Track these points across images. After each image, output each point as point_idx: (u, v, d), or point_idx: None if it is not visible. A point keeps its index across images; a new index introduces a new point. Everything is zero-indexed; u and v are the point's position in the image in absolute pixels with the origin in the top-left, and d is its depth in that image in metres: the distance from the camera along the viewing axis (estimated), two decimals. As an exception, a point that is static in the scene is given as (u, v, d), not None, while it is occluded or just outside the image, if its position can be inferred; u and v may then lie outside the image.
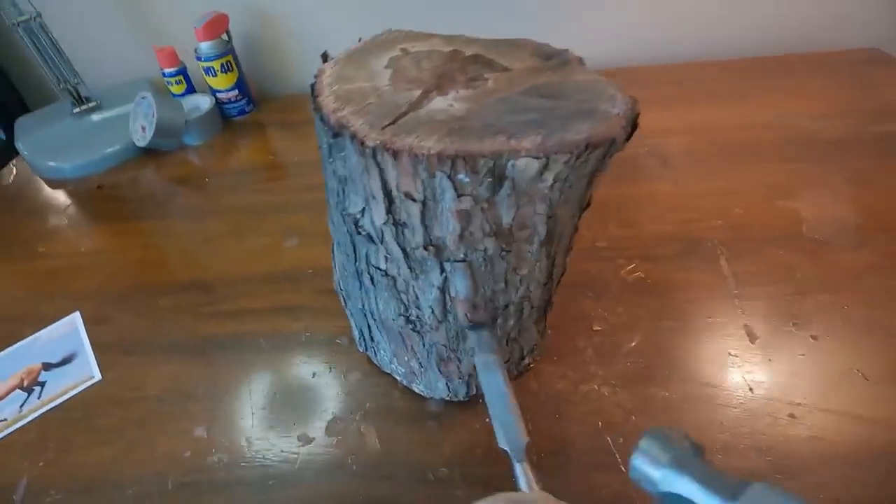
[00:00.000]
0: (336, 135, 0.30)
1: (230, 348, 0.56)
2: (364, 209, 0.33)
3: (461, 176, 0.28)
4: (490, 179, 0.28)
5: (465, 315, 0.37)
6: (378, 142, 0.28)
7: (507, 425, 0.33)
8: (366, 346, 0.51)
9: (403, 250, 0.34)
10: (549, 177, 0.29)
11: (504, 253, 0.33)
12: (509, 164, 0.28)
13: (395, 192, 0.30)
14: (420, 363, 0.45)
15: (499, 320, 0.39)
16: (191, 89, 0.91)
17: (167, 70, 0.88)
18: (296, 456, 0.47)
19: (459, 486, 0.43)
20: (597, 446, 0.44)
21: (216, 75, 0.86)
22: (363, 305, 0.43)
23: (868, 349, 0.48)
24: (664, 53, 0.91)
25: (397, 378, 0.50)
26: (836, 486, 0.40)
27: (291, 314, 0.58)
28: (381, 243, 0.34)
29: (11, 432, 0.52)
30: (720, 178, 0.68)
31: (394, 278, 0.37)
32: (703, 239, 0.59)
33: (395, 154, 0.28)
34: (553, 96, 0.31)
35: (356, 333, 0.51)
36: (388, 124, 0.29)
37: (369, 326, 0.46)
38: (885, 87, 0.80)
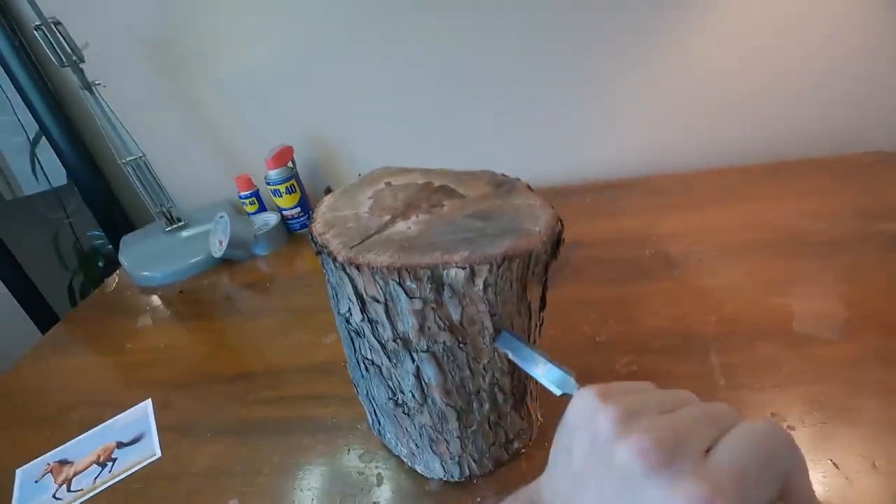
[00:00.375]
0: (318, 252, 0.39)
1: (266, 431, 0.63)
2: (349, 308, 0.41)
3: (409, 283, 0.35)
4: (431, 285, 0.36)
5: (441, 399, 0.43)
6: (346, 258, 0.37)
7: (547, 373, 0.34)
8: (377, 429, 0.56)
9: (380, 343, 0.41)
10: (479, 283, 0.36)
11: (461, 345, 0.40)
12: (445, 273, 0.35)
13: (364, 296, 0.38)
14: (416, 444, 0.49)
15: (474, 405, 0.44)
16: (262, 208, 1.08)
17: (242, 193, 1.06)
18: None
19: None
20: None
21: (282, 196, 1.02)
22: (366, 392, 0.50)
23: (843, 440, 0.47)
24: (668, 163, 0.99)
25: (403, 459, 0.54)
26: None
27: (322, 401, 0.65)
28: (364, 337, 0.42)
29: (86, 500, 0.60)
30: (718, 277, 0.71)
31: (379, 367, 0.43)
32: (696, 334, 0.62)
33: (358, 267, 0.36)
34: (488, 218, 0.40)
35: (369, 419, 0.57)
36: (357, 244, 0.38)
37: (375, 410, 0.52)
38: (886, 185, 0.82)
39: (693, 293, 0.69)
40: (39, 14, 0.85)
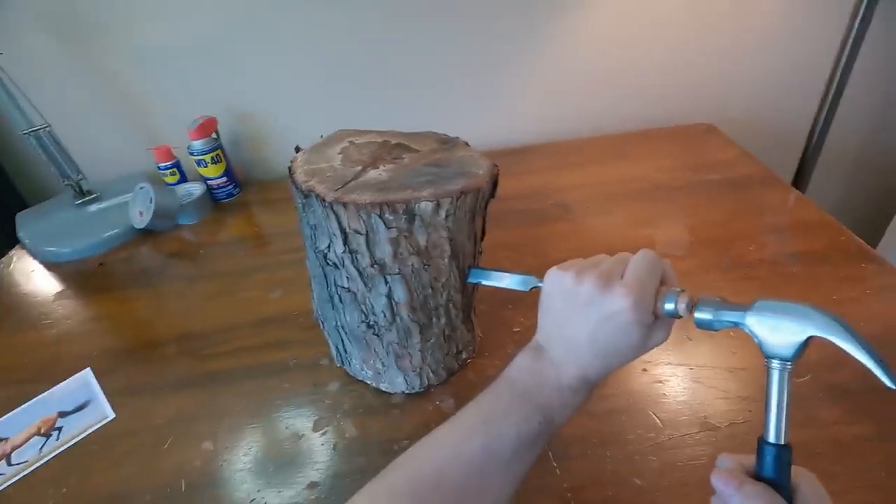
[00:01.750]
0: (306, 196, 0.45)
1: (228, 379, 0.64)
2: (329, 244, 0.46)
3: (387, 216, 0.43)
4: (405, 216, 0.43)
5: (408, 315, 0.49)
6: (333, 198, 0.43)
7: (515, 280, 0.46)
8: (342, 360, 0.61)
9: (358, 270, 0.47)
10: (442, 213, 0.44)
11: (426, 266, 0.47)
12: (416, 206, 0.43)
13: (347, 230, 0.44)
14: (382, 363, 0.56)
15: (433, 319, 0.52)
16: (183, 179, 1.03)
17: (162, 164, 1.00)
18: (291, 449, 0.55)
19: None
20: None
21: (207, 166, 0.99)
22: (336, 323, 0.55)
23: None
24: (562, 132, 1.13)
25: (368, 382, 0.60)
26: None
27: (281, 347, 0.68)
28: (343, 267, 0.47)
29: (35, 469, 0.57)
30: (602, 217, 0.86)
31: (354, 293, 0.49)
32: (589, 261, 0.75)
33: (345, 205, 0.42)
34: (442, 165, 0.48)
35: (333, 352, 0.62)
36: (340, 188, 0.44)
37: (342, 340, 0.57)
38: (712, 148, 1.04)
39: (585, 231, 0.83)
40: None
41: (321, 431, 0.56)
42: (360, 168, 0.47)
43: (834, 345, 0.28)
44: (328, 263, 0.48)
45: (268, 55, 1.00)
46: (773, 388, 0.29)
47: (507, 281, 0.46)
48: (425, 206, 0.43)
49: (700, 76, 1.09)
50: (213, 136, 0.99)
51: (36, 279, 0.88)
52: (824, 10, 1.00)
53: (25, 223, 0.96)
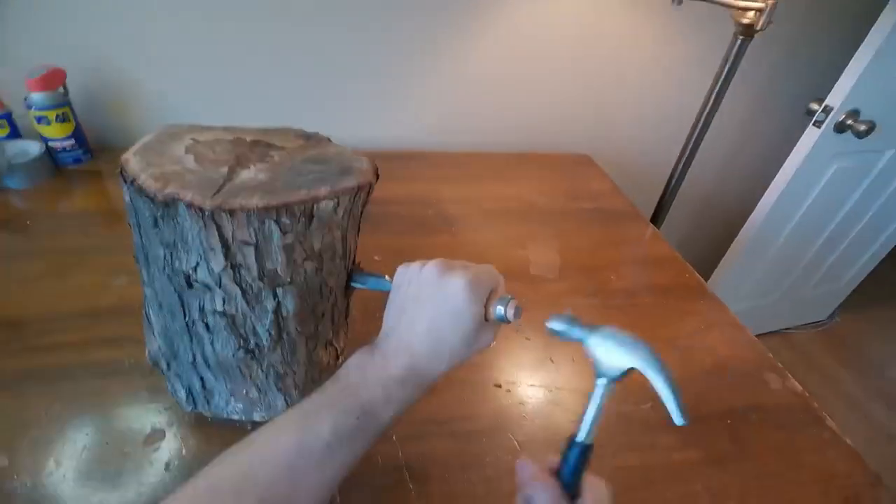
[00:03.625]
0: (167, 206, 0.35)
1: (40, 380, 0.52)
2: (198, 263, 0.37)
3: (284, 219, 0.36)
4: (304, 219, 0.37)
5: (296, 328, 0.42)
6: (213, 206, 0.34)
7: (377, 282, 0.45)
8: (195, 402, 0.49)
9: (241, 288, 0.38)
10: (340, 211, 0.39)
11: (318, 271, 0.41)
12: (315, 206, 0.37)
13: (231, 242, 0.36)
14: (259, 388, 0.46)
15: (319, 327, 0.45)
16: (15, 134, 0.83)
17: (-13, 114, 0.79)
18: (113, 468, 0.45)
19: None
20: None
21: (50, 124, 0.80)
22: (194, 359, 0.44)
23: (558, 345, 0.61)
24: (449, 143, 1.11)
25: (235, 418, 0.49)
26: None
27: (115, 344, 0.56)
28: (219, 287, 0.38)
29: None
30: (481, 233, 0.85)
31: (231, 316, 0.40)
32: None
33: (231, 213, 0.34)
34: (322, 162, 0.42)
35: (182, 395, 0.49)
36: (215, 193, 0.35)
37: (202, 378, 0.46)
38: (587, 178, 1.08)
39: (465, 245, 0.81)
40: None
41: (153, 447, 0.47)
42: (226, 169, 0.38)
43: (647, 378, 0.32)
44: (191, 287, 0.38)
45: (146, 7, 0.83)
46: (594, 400, 0.33)
47: (385, 283, 0.42)
48: (325, 206, 0.37)
49: (583, 109, 1.14)
50: (61, 90, 0.81)
51: None
52: (698, 66, 1.08)
53: None
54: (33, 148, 0.81)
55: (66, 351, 0.55)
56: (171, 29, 0.86)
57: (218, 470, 0.30)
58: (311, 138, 0.46)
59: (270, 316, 0.41)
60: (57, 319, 0.58)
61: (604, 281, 0.77)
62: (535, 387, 0.58)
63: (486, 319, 0.36)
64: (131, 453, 0.46)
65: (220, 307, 0.39)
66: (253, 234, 0.36)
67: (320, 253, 0.40)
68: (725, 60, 0.88)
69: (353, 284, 0.46)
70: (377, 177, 0.43)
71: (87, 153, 0.87)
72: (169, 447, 0.47)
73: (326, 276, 0.42)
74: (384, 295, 0.40)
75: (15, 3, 0.79)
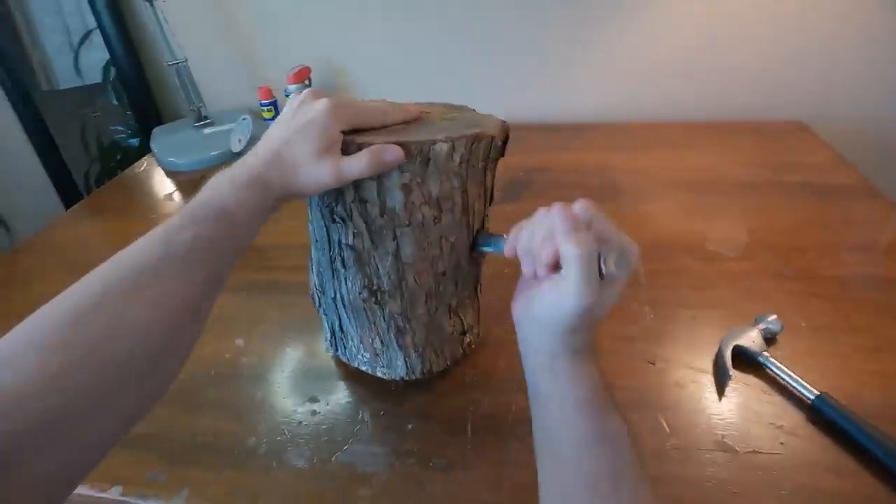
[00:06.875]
0: None
1: (266, 290, 0.61)
2: (338, 195, 0.38)
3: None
4: (419, 159, 0.35)
5: (414, 279, 0.41)
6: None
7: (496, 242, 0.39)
8: (335, 344, 0.49)
9: (366, 222, 0.38)
10: (456, 157, 0.36)
11: (436, 220, 0.38)
12: (431, 148, 0.35)
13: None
14: (381, 340, 0.45)
15: (440, 286, 0.42)
16: (278, 115, 1.01)
17: (263, 101, 1.00)
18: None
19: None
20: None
21: (298, 108, 0.97)
22: (335, 294, 0.44)
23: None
24: (622, 114, 0.96)
25: (363, 369, 0.48)
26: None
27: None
28: (350, 220, 0.39)
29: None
30: (652, 204, 0.71)
31: (359, 253, 0.40)
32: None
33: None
34: (455, 119, 0.39)
35: (328, 334, 0.50)
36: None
37: (339, 318, 0.46)
38: (798, 148, 0.81)
39: (632, 215, 0.69)
40: None
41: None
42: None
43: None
44: (334, 220, 0.40)
45: (365, 20, 0.96)
46: None
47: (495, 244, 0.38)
48: (440, 149, 0.35)
49: (794, 69, 0.86)
50: (306, 82, 0.97)
51: (155, 182, 0.92)
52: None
53: (157, 137, 1.01)
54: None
55: (282, 273, 0.64)
56: (376, 30, 0.98)
57: (83, 281, 0.28)
58: (455, 107, 0.44)
59: (390, 258, 0.40)
60: (283, 248, 0.68)
61: (808, 266, 0.57)
62: (692, 369, 0.46)
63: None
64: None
65: (350, 241, 0.40)
66: None
67: (438, 201, 0.37)
68: None
69: (478, 248, 0.41)
70: (507, 136, 0.39)
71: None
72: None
73: (446, 229, 0.39)
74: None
75: (281, 26, 1.00)
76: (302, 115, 0.33)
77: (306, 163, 0.32)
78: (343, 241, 0.40)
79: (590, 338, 0.32)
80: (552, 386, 0.31)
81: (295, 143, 0.32)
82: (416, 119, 0.38)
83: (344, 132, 0.34)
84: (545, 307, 0.31)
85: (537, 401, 0.32)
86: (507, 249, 0.34)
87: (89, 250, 0.74)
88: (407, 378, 0.47)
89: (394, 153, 0.33)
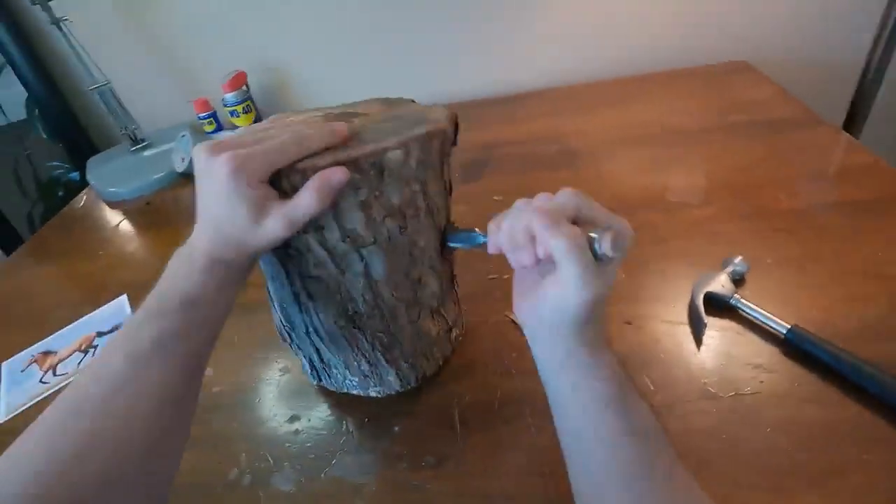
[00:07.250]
0: None
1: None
2: None
3: (354, 175, 0.31)
4: (373, 172, 0.32)
5: (391, 294, 0.38)
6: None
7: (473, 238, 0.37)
8: (318, 375, 0.46)
9: (327, 250, 0.35)
10: (412, 161, 0.33)
11: (402, 230, 0.35)
12: (383, 157, 0.32)
13: None
14: (369, 361, 0.42)
15: (418, 292, 0.40)
16: (220, 128, 0.97)
17: (201, 114, 0.94)
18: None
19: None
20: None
21: (239, 116, 0.92)
22: (307, 328, 0.41)
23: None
24: (563, 77, 0.94)
25: (354, 392, 0.45)
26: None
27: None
28: (307, 254, 0.35)
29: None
30: (609, 164, 0.70)
31: (326, 282, 0.36)
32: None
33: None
34: (400, 118, 0.36)
35: (307, 367, 0.47)
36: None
37: (318, 350, 0.43)
38: (743, 87, 0.81)
39: (590, 178, 0.68)
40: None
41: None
42: None
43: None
44: (288, 254, 0.36)
45: (293, 15, 0.91)
46: None
47: (477, 237, 0.35)
48: (393, 156, 0.32)
49: (730, 10, 0.85)
50: (244, 88, 0.92)
51: (98, 216, 0.86)
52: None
53: (92, 167, 0.94)
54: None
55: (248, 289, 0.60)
56: (307, 24, 0.92)
57: (61, 396, 0.28)
58: (393, 102, 0.40)
59: (361, 280, 0.36)
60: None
61: (767, 201, 0.57)
62: (668, 323, 0.46)
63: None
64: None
65: (312, 272, 0.36)
66: None
67: (401, 210, 0.34)
68: None
69: (449, 245, 0.39)
70: (456, 127, 0.36)
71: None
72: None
73: (414, 236, 0.36)
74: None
75: (206, 34, 0.93)
76: (210, 183, 0.29)
77: (250, 231, 0.29)
78: (304, 272, 0.36)
79: (600, 327, 0.30)
80: (575, 386, 0.29)
81: (226, 220, 0.29)
82: (345, 140, 0.33)
83: (267, 180, 0.30)
84: (550, 307, 0.29)
85: (560, 402, 0.31)
86: (490, 248, 0.32)
87: (33, 298, 0.69)
88: (402, 391, 0.44)
89: (338, 174, 0.29)
